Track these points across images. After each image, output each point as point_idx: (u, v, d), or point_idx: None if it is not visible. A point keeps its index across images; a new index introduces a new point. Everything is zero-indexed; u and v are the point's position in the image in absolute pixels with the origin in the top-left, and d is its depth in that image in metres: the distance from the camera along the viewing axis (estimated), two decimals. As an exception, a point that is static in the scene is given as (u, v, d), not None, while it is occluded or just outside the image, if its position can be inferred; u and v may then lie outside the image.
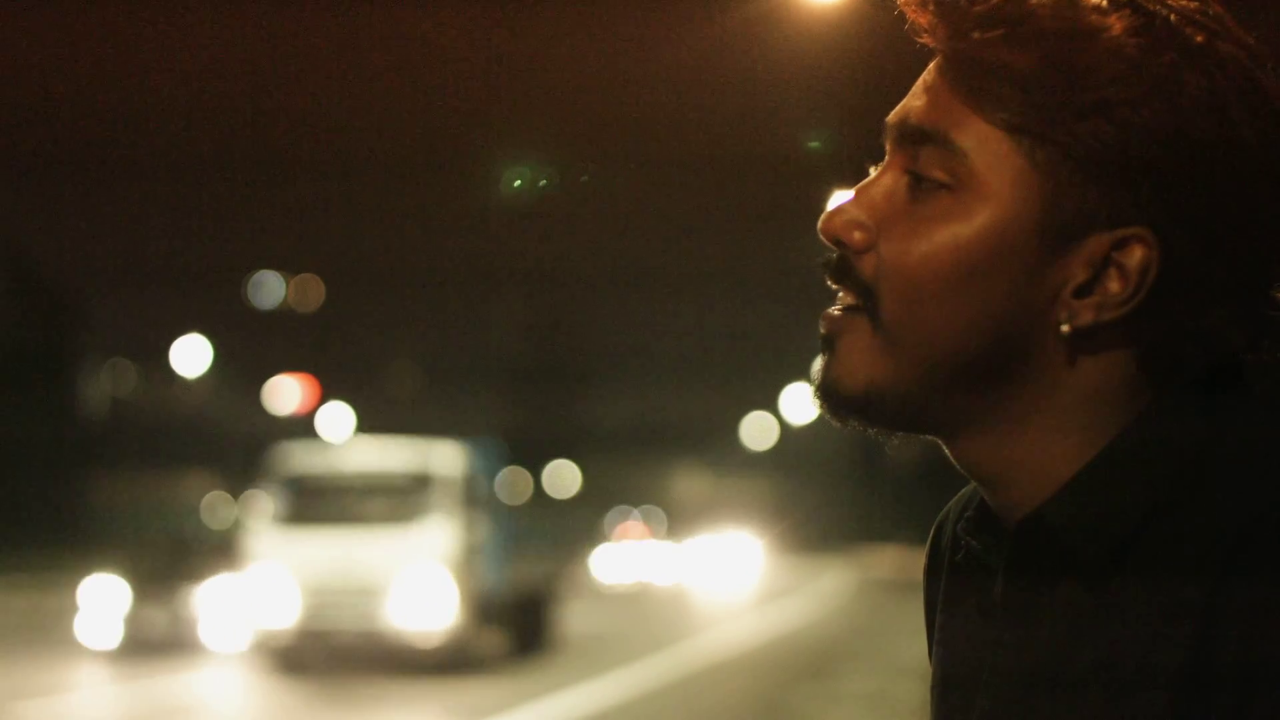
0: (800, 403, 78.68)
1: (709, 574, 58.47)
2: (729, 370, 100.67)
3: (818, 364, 1.33)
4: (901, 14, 1.32)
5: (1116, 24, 1.24)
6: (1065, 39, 1.24)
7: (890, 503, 70.94)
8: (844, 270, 1.30)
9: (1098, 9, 1.25)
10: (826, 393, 1.31)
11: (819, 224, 1.31)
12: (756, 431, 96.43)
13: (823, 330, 1.31)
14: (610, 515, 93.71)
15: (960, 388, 1.28)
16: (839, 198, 1.32)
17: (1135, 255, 1.24)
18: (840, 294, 1.31)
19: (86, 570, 24.43)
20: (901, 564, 51.67)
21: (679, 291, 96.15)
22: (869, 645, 24.18)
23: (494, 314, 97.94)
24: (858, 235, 1.29)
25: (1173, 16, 1.25)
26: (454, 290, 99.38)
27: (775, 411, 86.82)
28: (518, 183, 16.21)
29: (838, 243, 1.30)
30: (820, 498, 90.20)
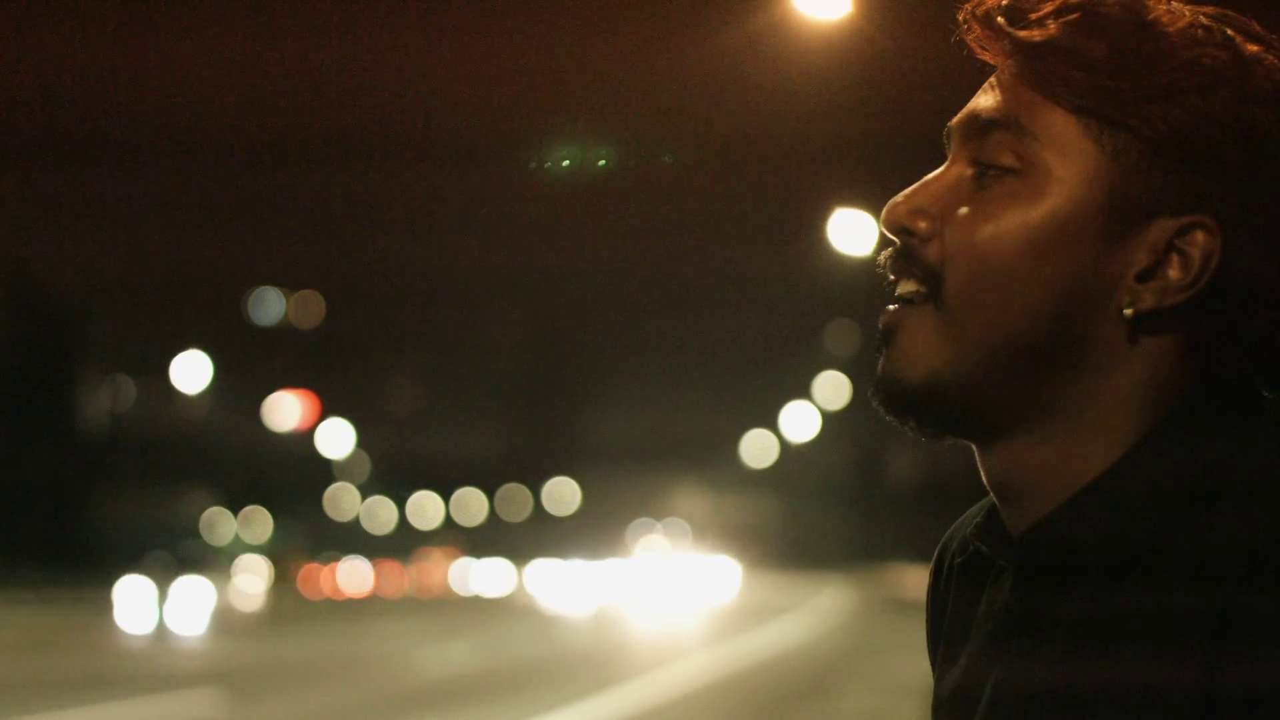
0: (800, 421, 78.70)
1: (708, 590, 58.43)
2: (729, 388, 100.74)
3: (877, 360, 1.33)
4: (918, 36, 1.34)
5: (1177, 20, 1.28)
6: (1135, 28, 1.28)
7: (889, 522, 71.02)
8: (908, 258, 1.31)
9: (1158, 10, 1.29)
10: (886, 386, 1.31)
11: (882, 215, 1.32)
12: (756, 449, 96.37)
13: (882, 323, 1.32)
14: (632, 528, 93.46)
15: (1020, 374, 1.28)
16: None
17: (1198, 242, 1.26)
18: (899, 287, 1.32)
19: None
20: (900, 582, 51.70)
21: (680, 310, 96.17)
22: (868, 664, 24.16)
23: (494, 331, 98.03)
24: (923, 223, 1.30)
25: (1227, 30, 1.29)
26: (454, 308, 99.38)
27: (775, 429, 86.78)
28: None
29: (902, 231, 1.31)
30: (819, 516, 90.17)
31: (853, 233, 21.42)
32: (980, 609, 1.36)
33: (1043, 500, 1.29)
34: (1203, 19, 1.29)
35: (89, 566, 57.50)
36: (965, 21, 1.33)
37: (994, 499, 1.34)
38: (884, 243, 1.34)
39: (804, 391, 76.08)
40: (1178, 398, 1.28)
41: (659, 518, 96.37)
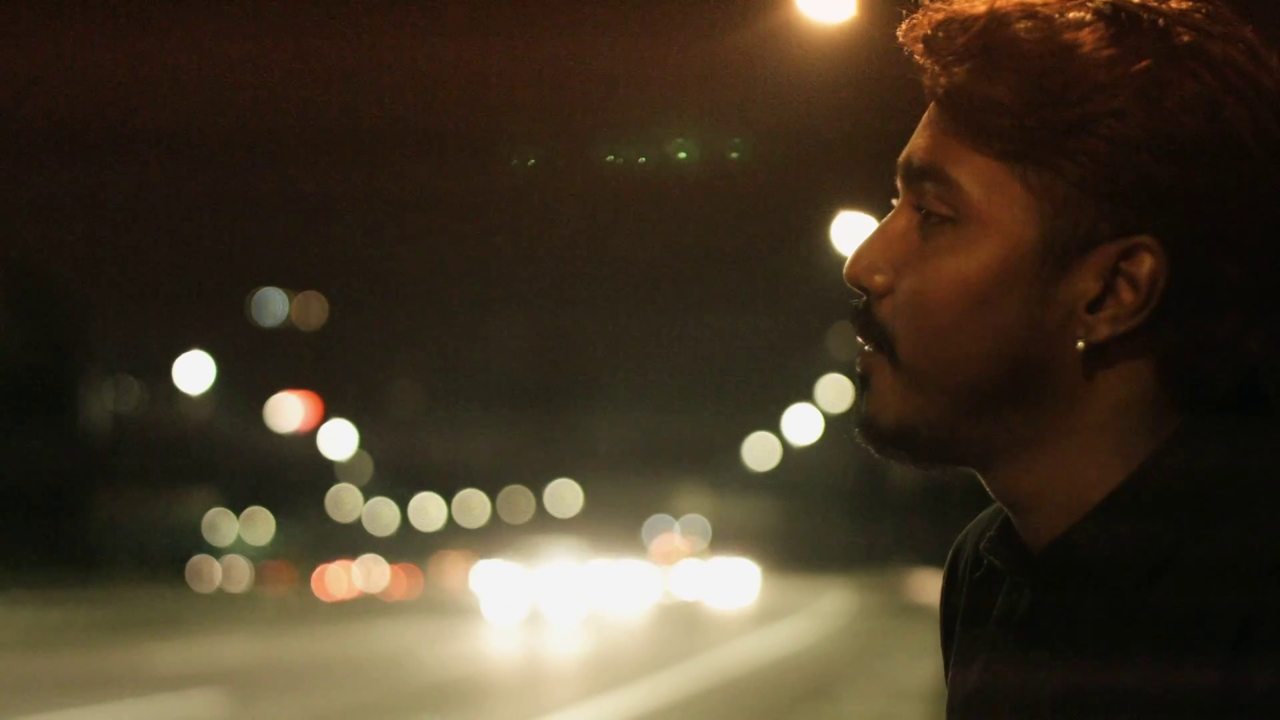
0: (803, 423, 78.70)
1: (710, 594, 58.39)
2: (732, 391, 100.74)
3: (858, 400, 1.34)
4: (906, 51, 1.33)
5: (1089, 37, 1.24)
6: (1044, 60, 1.24)
7: (892, 525, 70.94)
8: (865, 317, 1.32)
9: (1074, 24, 1.25)
10: (865, 428, 1.33)
11: (844, 270, 1.32)
12: (759, 452, 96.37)
13: (858, 369, 1.33)
14: (648, 526, 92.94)
15: (987, 416, 1.28)
16: (861, 240, 1.34)
17: (1144, 264, 1.24)
18: (866, 343, 1.33)
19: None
20: (902, 586, 51.63)
21: (682, 312, 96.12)
22: (870, 667, 24.14)
23: (497, 333, 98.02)
24: (879, 279, 1.30)
25: (1160, 20, 1.25)
26: (457, 310, 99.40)
27: (778, 432, 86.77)
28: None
29: (861, 288, 1.32)
30: (822, 519, 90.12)
31: (856, 236, 21.41)
32: (995, 617, 1.35)
33: (1051, 515, 1.29)
34: (1127, 14, 1.25)
35: (91, 567, 57.54)
36: (902, 44, 1.31)
37: (1005, 510, 1.33)
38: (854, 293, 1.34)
39: (807, 394, 76.11)
40: (1169, 411, 1.27)
41: (677, 515, 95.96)
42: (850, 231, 21.29)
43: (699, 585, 60.83)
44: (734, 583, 61.86)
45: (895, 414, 1.30)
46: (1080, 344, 1.25)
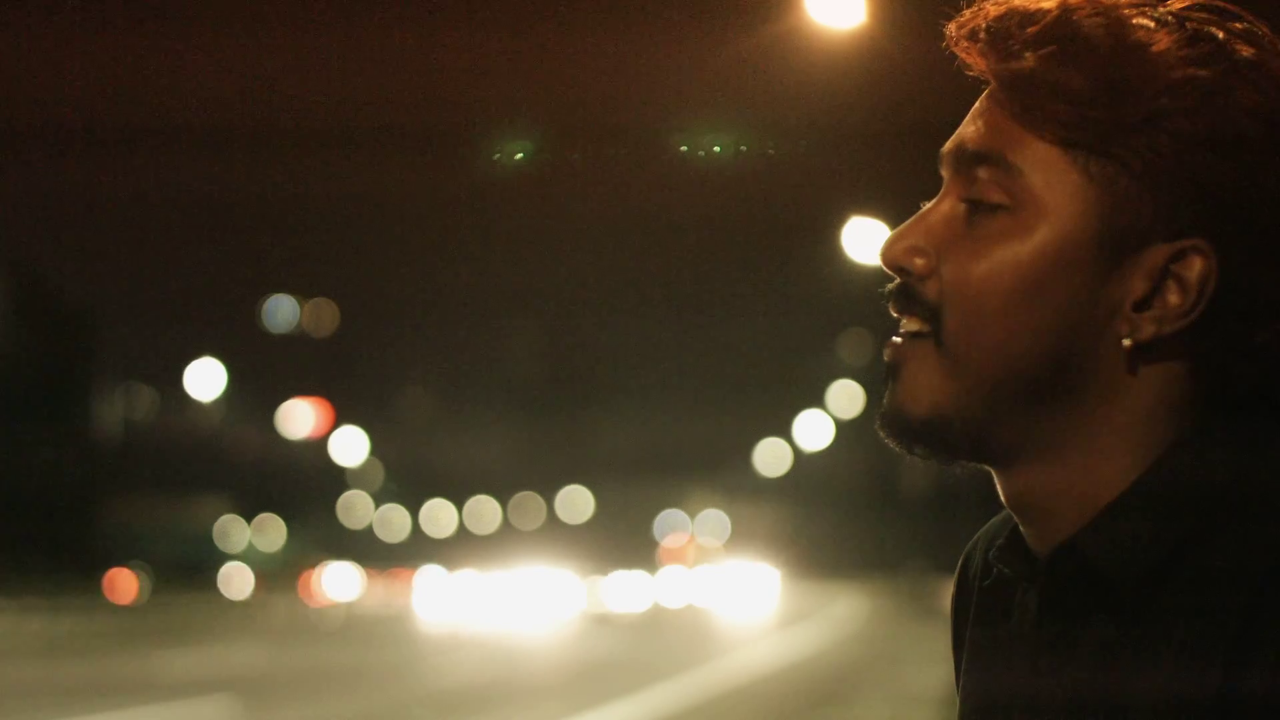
0: (814, 429, 78.65)
1: (722, 599, 58.31)
2: (743, 397, 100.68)
3: (885, 392, 1.33)
4: (932, 46, 1.33)
5: (1165, 38, 1.26)
6: (1116, 54, 1.26)
7: (903, 530, 70.87)
8: (908, 296, 1.31)
9: (1146, 27, 1.27)
10: (892, 420, 1.32)
11: (879, 252, 1.32)
12: (770, 458, 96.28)
13: (887, 358, 1.32)
14: (659, 522, 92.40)
15: (1023, 408, 1.28)
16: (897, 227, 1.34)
17: (1194, 267, 1.25)
18: (903, 321, 1.32)
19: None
20: (913, 591, 51.58)
21: (694, 319, 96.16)
22: (882, 672, 24.14)
23: (508, 340, 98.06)
24: (919, 261, 1.30)
25: (1221, 34, 1.27)
26: (468, 316, 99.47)
27: (789, 438, 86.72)
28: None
29: (900, 270, 1.31)
30: (833, 524, 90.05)
31: (867, 242, 21.43)
32: (1005, 625, 1.36)
33: (1062, 520, 1.29)
34: (1192, 25, 1.27)
35: (102, 574, 57.59)
36: (952, 38, 1.32)
37: (1014, 517, 1.33)
38: (887, 277, 1.33)
39: (818, 400, 76.09)
40: (1192, 415, 1.27)
41: (692, 513, 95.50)
42: (862, 237, 21.27)
43: (715, 589, 60.41)
44: (752, 587, 61.59)
45: (929, 402, 1.29)
46: (1126, 341, 1.26)
